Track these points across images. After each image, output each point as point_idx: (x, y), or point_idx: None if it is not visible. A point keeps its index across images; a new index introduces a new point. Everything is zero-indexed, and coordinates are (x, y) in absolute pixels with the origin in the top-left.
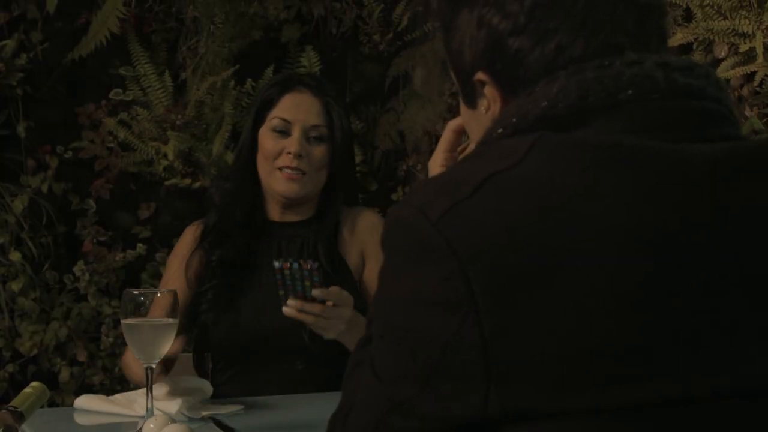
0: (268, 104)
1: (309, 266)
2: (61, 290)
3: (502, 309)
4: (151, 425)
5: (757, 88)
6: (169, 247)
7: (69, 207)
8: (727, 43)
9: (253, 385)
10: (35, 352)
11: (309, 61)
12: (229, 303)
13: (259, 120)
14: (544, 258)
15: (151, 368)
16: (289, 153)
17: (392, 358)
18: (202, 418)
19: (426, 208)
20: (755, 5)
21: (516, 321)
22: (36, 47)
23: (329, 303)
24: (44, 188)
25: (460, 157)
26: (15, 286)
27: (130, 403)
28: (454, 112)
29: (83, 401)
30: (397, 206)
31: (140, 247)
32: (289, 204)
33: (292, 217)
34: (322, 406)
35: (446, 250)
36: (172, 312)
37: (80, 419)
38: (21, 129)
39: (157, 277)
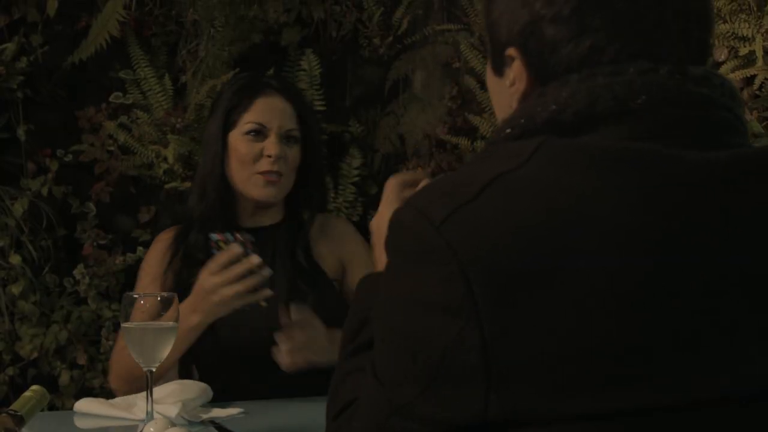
0: (239, 108)
1: (242, 238)
2: (61, 293)
3: (502, 310)
4: (151, 429)
5: (757, 92)
6: None
7: (69, 210)
8: (727, 47)
9: (243, 393)
10: (35, 355)
11: (309, 64)
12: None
13: (229, 124)
14: (544, 259)
15: (151, 372)
16: (269, 156)
17: (393, 361)
18: (202, 422)
19: (429, 212)
20: (755, 9)
21: (516, 322)
22: (36, 50)
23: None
24: (44, 191)
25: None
26: (15, 289)
27: (129, 407)
28: (453, 115)
29: (83, 405)
30: (401, 209)
31: (140, 251)
32: (261, 207)
33: (262, 221)
34: (323, 409)
35: (447, 252)
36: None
37: (80, 423)
38: (21, 132)
39: None
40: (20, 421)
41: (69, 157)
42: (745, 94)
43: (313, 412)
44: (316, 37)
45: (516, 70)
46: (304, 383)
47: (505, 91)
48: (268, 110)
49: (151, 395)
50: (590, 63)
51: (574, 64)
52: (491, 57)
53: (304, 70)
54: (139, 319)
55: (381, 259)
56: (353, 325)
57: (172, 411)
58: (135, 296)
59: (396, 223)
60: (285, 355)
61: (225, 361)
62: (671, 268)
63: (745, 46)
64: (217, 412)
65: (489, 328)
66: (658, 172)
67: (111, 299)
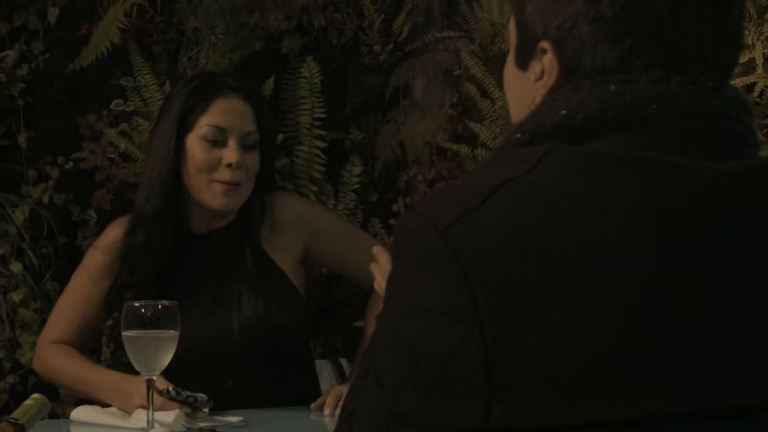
0: (195, 110)
1: (200, 399)
2: None
3: (505, 318)
4: None
5: (757, 99)
6: None
7: (70, 217)
8: None
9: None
10: None
11: (310, 71)
12: None
13: (185, 126)
14: (547, 266)
15: (152, 380)
16: (229, 165)
17: (395, 367)
18: (201, 429)
19: (434, 217)
20: (755, 16)
21: (519, 330)
22: (37, 58)
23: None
24: (45, 199)
25: None
26: (16, 296)
27: (126, 415)
28: (454, 123)
29: (80, 413)
30: (406, 214)
31: None
32: (215, 215)
33: (215, 225)
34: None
35: (451, 259)
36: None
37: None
38: (22, 139)
39: None
40: (21, 429)
41: (70, 165)
42: None
43: (315, 421)
44: (317, 44)
45: (547, 63)
46: (245, 397)
47: (527, 85)
48: (226, 113)
49: (152, 403)
50: (625, 66)
51: (609, 64)
52: (517, 49)
53: (305, 77)
54: (139, 328)
55: None
56: (368, 354)
57: (169, 417)
58: (136, 305)
59: (400, 228)
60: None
61: (170, 371)
62: (674, 275)
63: (745, 54)
64: (217, 420)
65: (491, 336)
66: (663, 179)
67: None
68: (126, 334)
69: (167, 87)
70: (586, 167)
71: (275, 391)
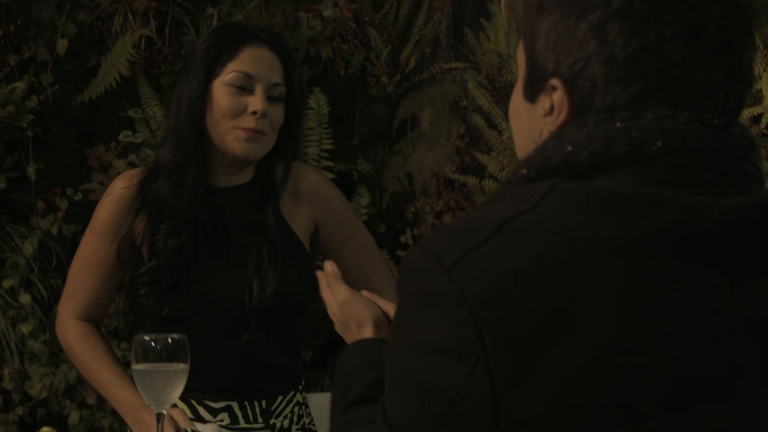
0: (223, 56)
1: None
2: None
3: (511, 357)
4: None
5: (764, 131)
6: None
7: None
8: None
9: (215, 354)
10: (45, 395)
11: (317, 103)
12: (176, 280)
13: (211, 73)
14: (551, 305)
15: (162, 414)
16: (254, 113)
17: (402, 405)
18: None
19: (440, 254)
20: (761, 47)
21: (525, 370)
22: (46, 89)
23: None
24: (54, 230)
25: None
26: (25, 328)
27: None
28: (461, 154)
29: None
30: (413, 250)
31: None
32: (236, 165)
33: (235, 181)
34: None
35: (458, 297)
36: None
37: None
38: (31, 171)
39: None
40: None
41: (79, 196)
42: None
43: None
44: (325, 75)
45: (557, 101)
46: (258, 352)
47: (535, 118)
48: (255, 60)
49: None
50: (636, 106)
51: (620, 104)
52: (526, 82)
53: (313, 108)
54: (149, 361)
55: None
56: (340, 387)
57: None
58: (146, 338)
59: (407, 264)
60: None
61: (185, 326)
62: (679, 312)
63: None
64: None
65: (498, 376)
66: (668, 215)
67: (120, 338)
68: (135, 367)
69: None
70: (589, 204)
71: (284, 351)
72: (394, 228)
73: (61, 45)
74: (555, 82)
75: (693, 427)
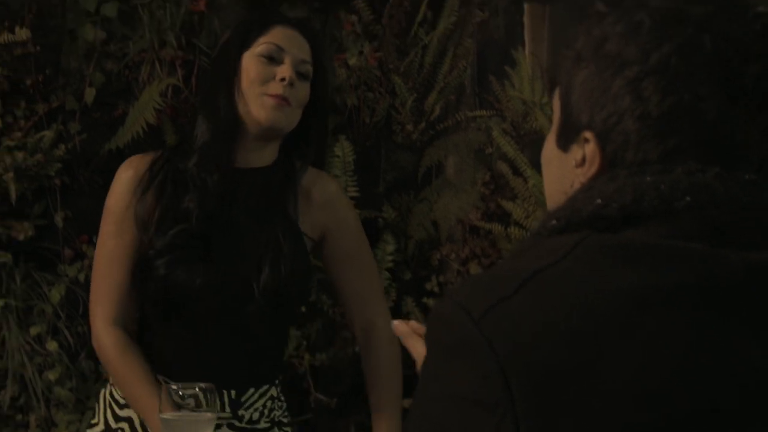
0: (254, 32)
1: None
2: (97, 379)
3: (539, 410)
4: None
5: None
6: None
7: None
8: None
9: (197, 336)
10: None
11: (342, 150)
12: (191, 254)
13: (244, 45)
14: (580, 358)
15: None
16: (283, 79)
17: None
18: None
19: (469, 305)
20: None
21: (552, 421)
22: (74, 138)
23: None
24: (81, 278)
25: None
26: (52, 375)
27: None
28: (486, 201)
29: None
30: (441, 301)
31: None
32: (260, 141)
33: (255, 162)
34: None
35: (486, 349)
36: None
37: None
38: (58, 219)
39: None
40: None
41: None
42: None
43: None
44: (350, 123)
45: (589, 154)
46: (261, 322)
47: (566, 167)
48: (285, 37)
49: None
50: (667, 161)
51: (651, 159)
52: (559, 131)
53: (338, 156)
54: (176, 410)
55: None
56: None
57: None
58: (173, 387)
59: (435, 315)
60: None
61: (194, 301)
62: (706, 366)
63: None
64: None
65: (525, 425)
66: (696, 268)
67: None
68: (163, 417)
69: None
70: (618, 257)
71: (264, 343)
72: (419, 275)
73: (89, 94)
74: (588, 135)
75: None
